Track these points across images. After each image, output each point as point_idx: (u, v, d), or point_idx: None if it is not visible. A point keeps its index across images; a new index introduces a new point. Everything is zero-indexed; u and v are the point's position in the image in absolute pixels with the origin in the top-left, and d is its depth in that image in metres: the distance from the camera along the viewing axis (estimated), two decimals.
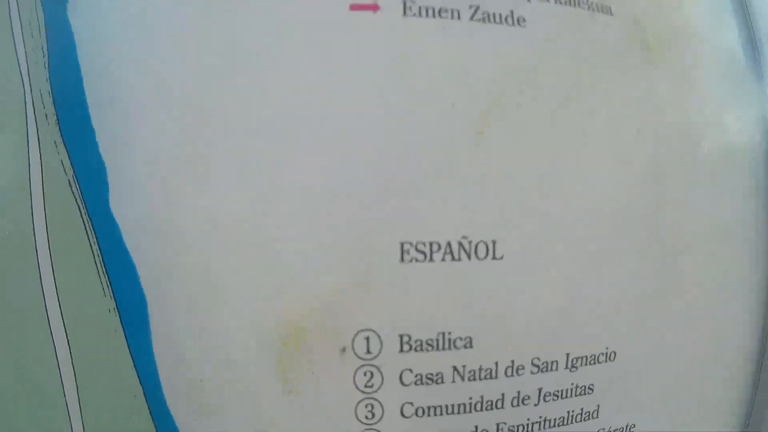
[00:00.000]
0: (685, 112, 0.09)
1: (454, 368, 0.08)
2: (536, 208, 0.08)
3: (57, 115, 0.10)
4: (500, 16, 0.08)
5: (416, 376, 0.08)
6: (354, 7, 0.08)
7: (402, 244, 0.07)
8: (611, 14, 0.09)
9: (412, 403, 0.08)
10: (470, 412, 0.08)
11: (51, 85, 0.10)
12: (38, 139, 0.10)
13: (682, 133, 0.09)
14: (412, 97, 0.08)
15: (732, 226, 0.10)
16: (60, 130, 0.09)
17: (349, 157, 0.07)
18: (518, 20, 0.08)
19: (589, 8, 0.09)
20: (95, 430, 0.08)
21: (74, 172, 0.09)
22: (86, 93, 0.09)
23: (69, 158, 0.09)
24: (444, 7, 0.08)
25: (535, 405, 0.08)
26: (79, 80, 0.09)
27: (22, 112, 0.10)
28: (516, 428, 0.07)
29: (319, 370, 0.07)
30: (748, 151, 0.10)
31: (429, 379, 0.08)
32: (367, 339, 0.07)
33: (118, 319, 0.09)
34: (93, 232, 0.09)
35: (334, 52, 0.08)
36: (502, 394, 0.08)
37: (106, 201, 0.09)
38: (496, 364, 0.08)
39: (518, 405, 0.08)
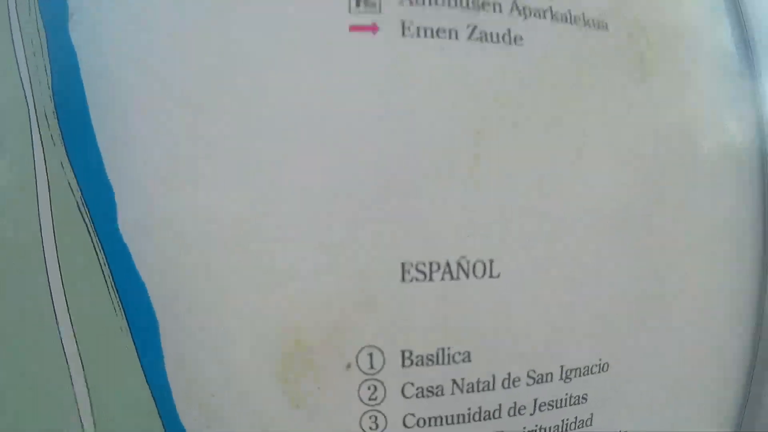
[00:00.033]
0: (679, 124, 0.10)
1: (454, 381, 0.08)
2: (532, 228, 0.08)
3: (62, 136, 0.10)
4: (497, 35, 0.09)
5: (417, 389, 0.08)
6: (353, 28, 0.09)
7: (403, 265, 0.08)
8: (607, 29, 0.10)
9: (413, 414, 0.08)
10: (469, 422, 0.09)
11: (55, 106, 0.10)
12: (44, 160, 0.10)
13: (675, 148, 0.10)
14: (410, 119, 0.08)
15: (724, 234, 0.11)
16: (66, 151, 0.10)
17: (351, 180, 0.08)
18: (515, 39, 0.09)
19: (584, 24, 0.10)
20: None
21: (82, 194, 0.10)
22: (91, 114, 0.10)
23: (76, 180, 0.10)
24: (442, 27, 0.09)
25: (531, 414, 0.09)
26: (83, 100, 0.10)
27: (27, 133, 0.11)
28: None
29: (325, 385, 0.08)
30: (742, 157, 0.10)
31: (429, 391, 0.08)
32: (371, 355, 0.08)
33: (130, 338, 0.09)
34: (103, 254, 0.09)
35: (333, 72, 0.09)
36: (500, 405, 0.09)
37: (115, 222, 0.09)
38: (494, 376, 0.09)
39: (515, 415, 0.09)
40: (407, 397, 0.08)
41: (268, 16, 0.09)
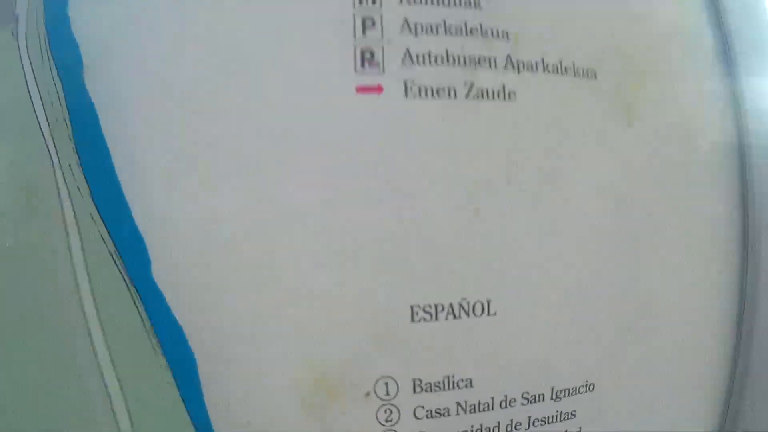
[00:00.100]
0: (664, 165, 0.12)
1: (458, 404, 0.11)
2: (524, 272, 0.10)
3: (89, 188, 0.12)
4: (493, 92, 0.11)
5: (427, 411, 0.11)
6: (360, 89, 0.10)
7: (412, 307, 0.10)
8: (596, 78, 0.12)
9: None
10: None
11: (79, 158, 0.12)
12: (74, 213, 0.12)
13: (661, 188, 0.11)
14: (414, 175, 0.10)
15: (704, 254, 0.13)
16: (94, 202, 0.12)
17: (365, 236, 0.10)
18: (509, 95, 0.11)
19: (575, 75, 0.11)
20: None
21: (114, 244, 0.12)
22: (115, 164, 0.11)
23: (108, 231, 0.12)
24: (441, 87, 0.11)
25: (526, 429, 0.11)
26: (105, 151, 0.12)
27: (53, 187, 0.12)
28: None
29: (349, 411, 0.10)
30: (722, 198, 0.12)
31: (437, 413, 0.11)
32: (386, 384, 0.11)
33: (170, 374, 0.11)
34: (139, 300, 0.11)
35: (340, 130, 0.10)
36: (498, 422, 0.11)
37: (149, 270, 0.11)
38: (492, 398, 0.11)
39: (512, 430, 0.11)
40: (418, 419, 0.11)
41: (276, 72, 0.10)
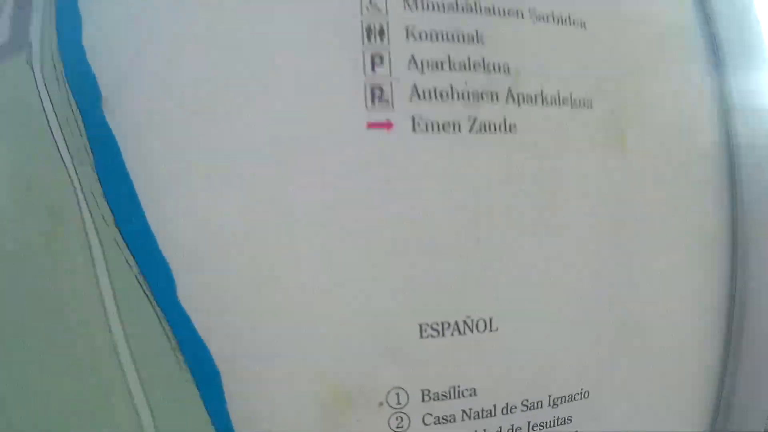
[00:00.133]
0: (655, 191, 0.13)
1: (463, 411, 0.12)
2: (522, 291, 0.12)
3: (114, 216, 0.13)
4: (495, 125, 0.12)
5: (435, 418, 0.12)
6: (370, 125, 0.12)
7: (420, 325, 0.12)
8: (591, 107, 0.13)
9: None
10: None
11: (102, 186, 0.13)
12: (99, 239, 0.13)
13: (652, 213, 0.13)
14: (421, 206, 0.12)
15: (693, 264, 0.14)
16: (119, 230, 0.13)
17: (379, 264, 0.11)
18: (510, 127, 0.12)
19: (572, 105, 0.13)
20: None
21: (140, 270, 0.13)
22: (138, 194, 0.13)
23: (133, 257, 0.13)
24: (447, 122, 0.12)
25: None
26: (128, 180, 0.13)
27: (77, 214, 0.14)
28: None
29: (364, 419, 0.12)
30: (710, 215, 0.14)
31: (444, 419, 0.12)
32: (398, 394, 0.12)
33: (195, 387, 0.13)
34: (165, 320, 0.13)
35: (353, 165, 0.12)
36: (500, 427, 0.13)
37: (174, 294, 0.13)
38: (495, 406, 0.12)
39: None
40: (426, 425, 0.12)
41: (290, 109, 0.11)
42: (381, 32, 0.11)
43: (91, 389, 0.13)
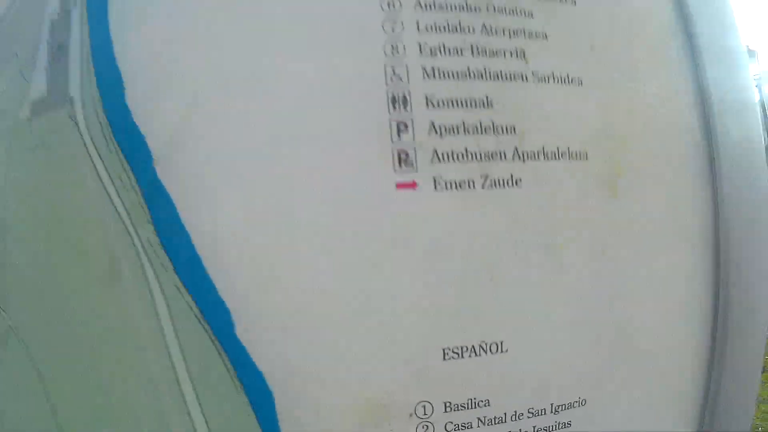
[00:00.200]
0: (638, 228, 0.17)
1: (479, 419, 0.16)
2: (528, 319, 0.16)
3: (173, 265, 0.17)
4: (503, 180, 0.16)
5: (455, 425, 0.16)
6: (399, 186, 0.15)
7: (443, 350, 0.16)
8: (587, 159, 0.17)
9: None
10: None
11: (160, 239, 0.17)
12: (159, 285, 0.17)
13: (642, 248, 0.17)
14: (443, 252, 0.15)
15: (676, 293, 0.18)
16: (178, 276, 0.17)
17: (406, 298, 0.15)
18: (516, 182, 0.16)
19: (569, 158, 0.16)
20: None
21: (201, 311, 0.17)
22: (196, 245, 0.16)
23: (194, 300, 0.17)
24: (462, 180, 0.15)
25: None
26: (184, 233, 0.16)
27: (137, 262, 0.17)
28: None
29: (396, 428, 0.16)
30: (692, 247, 0.18)
31: (463, 426, 0.16)
32: (424, 406, 0.16)
33: (251, 409, 0.17)
34: (224, 352, 0.16)
35: (386, 218, 0.15)
36: (509, 431, 0.17)
37: (233, 331, 0.16)
38: (505, 414, 0.16)
39: None
40: (448, 431, 0.16)
41: (330, 174, 0.15)
42: (404, 101, 0.15)
43: (155, 414, 0.16)
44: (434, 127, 0.14)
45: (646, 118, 0.16)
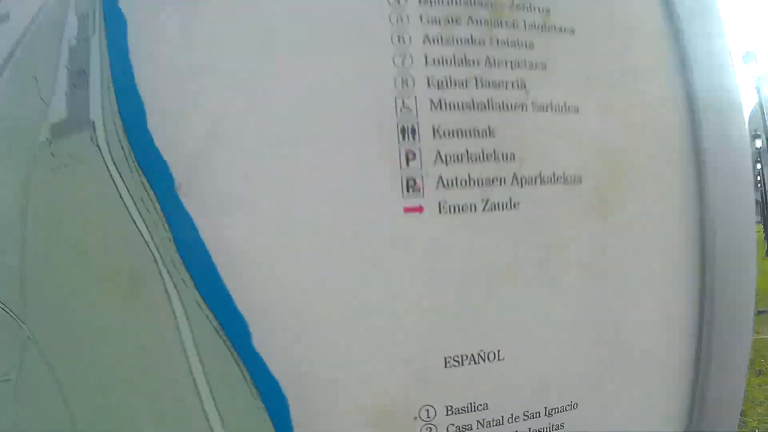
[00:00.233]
0: (629, 246, 0.19)
1: (478, 421, 0.18)
2: (524, 330, 0.18)
3: (194, 282, 0.18)
4: (502, 204, 0.17)
5: (456, 427, 0.18)
6: (407, 209, 0.17)
7: (445, 358, 0.17)
8: (581, 183, 0.18)
9: None
10: None
11: (181, 257, 0.18)
12: (180, 300, 0.19)
13: (627, 265, 0.19)
14: (446, 269, 0.17)
15: (665, 304, 0.20)
16: (199, 292, 0.18)
17: (412, 311, 0.17)
18: (514, 205, 0.17)
19: (565, 182, 0.18)
20: None
21: (219, 323, 0.18)
22: (216, 263, 0.18)
23: (213, 314, 0.18)
24: (464, 204, 0.17)
25: None
26: (206, 253, 0.18)
27: (158, 278, 0.19)
28: None
29: (401, 429, 0.18)
30: (678, 264, 0.20)
31: (464, 428, 0.18)
32: (428, 410, 0.18)
33: (267, 414, 0.19)
34: (241, 361, 0.18)
35: (395, 239, 0.17)
36: None
37: (250, 343, 0.18)
38: (502, 416, 0.18)
39: None
40: None
41: (346, 198, 0.16)
42: (413, 131, 0.16)
43: (174, 419, 0.18)
44: (440, 155, 0.16)
45: (637, 142, 0.18)
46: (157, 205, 0.18)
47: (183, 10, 0.17)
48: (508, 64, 0.17)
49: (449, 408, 0.17)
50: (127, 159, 0.18)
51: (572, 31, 0.18)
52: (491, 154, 0.16)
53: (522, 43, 0.17)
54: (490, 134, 0.16)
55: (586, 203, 0.17)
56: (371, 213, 0.16)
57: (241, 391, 0.17)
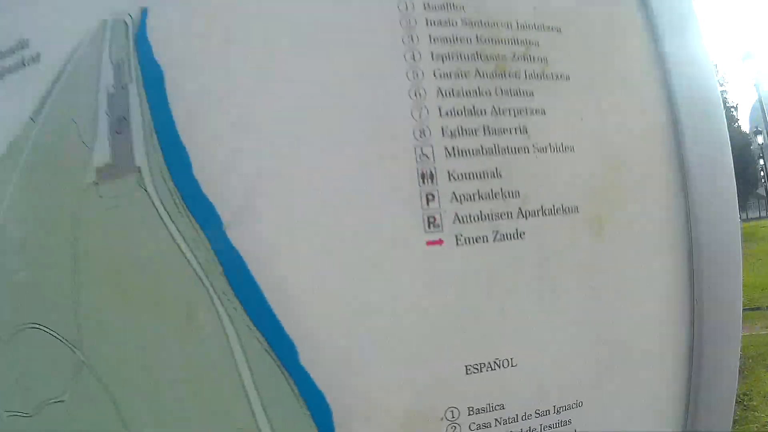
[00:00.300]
0: (623, 263, 0.22)
1: (496, 419, 0.22)
2: (534, 340, 0.21)
3: (244, 309, 0.22)
4: (510, 234, 0.21)
5: (477, 425, 0.22)
6: (429, 243, 0.21)
7: (466, 366, 0.21)
8: (578, 212, 0.22)
9: None
10: None
11: (232, 287, 0.22)
12: (233, 324, 0.23)
13: (622, 279, 0.22)
14: (464, 291, 0.21)
15: (658, 312, 0.24)
16: (249, 318, 0.22)
17: (439, 329, 0.21)
18: (520, 234, 0.21)
19: (564, 213, 0.21)
20: None
21: (269, 344, 0.22)
22: (264, 291, 0.22)
23: (264, 337, 0.22)
24: (478, 236, 0.21)
25: None
26: (255, 286, 0.22)
27: (212, 308, 0.23)
28: None
29: (428, 429, 0.22)
30: (670, 275, 0.23)
31: (484, 426, 0.22)
32: (452, 411, 0.22)
33: (313, 422, 0.23)
34: (291, 379, 0.22)
35: (419, 270, 0.20)
36: (521, 429, 0.22)
37: (297, 361, 0.22)
38: (517, 414, 0.22)
39: None
40: (472, 431, 0.22)
41: (373, 235, 0.20)
42: (431, 176, 0.20)
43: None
44: (455, 196, 0.20)
45: (626, 174, 0.22)
46: (208, 244, 0.21)
47: (219, 68, 0.21)
48: (512, 112, 0.21)
49: (471, 409, 0.21)
50: (175, 202, 0.22)
51: (568, 78, 0.22)
52: (499, 193, 0.20)
53: (524, 92, 0.21)
54: (497, 175, 0.20)
55: (584, 228, 0.21)
56: (399, 247, 0.20)
57: (290, 403, 0.21)
